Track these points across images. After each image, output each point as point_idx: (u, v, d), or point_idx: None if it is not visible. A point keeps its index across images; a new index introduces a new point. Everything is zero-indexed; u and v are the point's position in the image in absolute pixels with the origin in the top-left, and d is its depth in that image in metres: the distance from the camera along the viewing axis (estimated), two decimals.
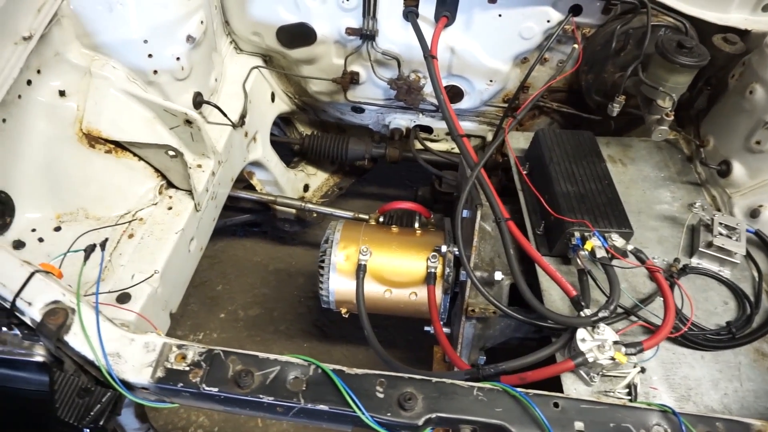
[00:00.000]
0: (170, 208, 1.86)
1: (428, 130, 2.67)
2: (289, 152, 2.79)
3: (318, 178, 2.86)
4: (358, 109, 2.60)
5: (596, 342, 1.46)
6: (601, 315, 1.49)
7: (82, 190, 1.73)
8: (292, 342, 2.63)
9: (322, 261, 2.02)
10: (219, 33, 2.27)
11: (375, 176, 3.14)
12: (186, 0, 1.77)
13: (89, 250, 1.42)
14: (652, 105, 1.93)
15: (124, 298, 1.61)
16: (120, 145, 1.79)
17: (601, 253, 1.62)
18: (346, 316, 2.12)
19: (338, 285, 2.02)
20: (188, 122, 1.86)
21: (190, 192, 1.88)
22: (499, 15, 2.09)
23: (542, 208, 1.84)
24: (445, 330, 1.94)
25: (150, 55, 1.78)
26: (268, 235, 2.97)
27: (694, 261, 1.81)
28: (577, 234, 1.68)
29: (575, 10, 2.07)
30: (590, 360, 1.43)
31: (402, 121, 2.61)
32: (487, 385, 1.19)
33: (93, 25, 1.71)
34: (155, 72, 1.82)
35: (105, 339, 1.18)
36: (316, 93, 2.50)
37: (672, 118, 1.90)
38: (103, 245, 1.46)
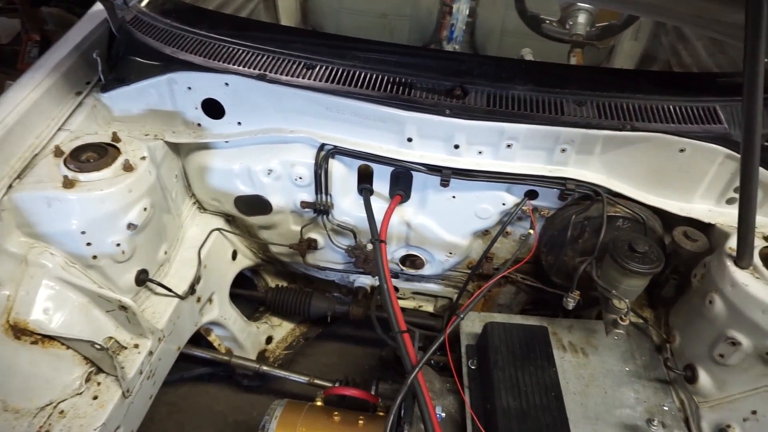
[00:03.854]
0: (95, 398, 1.79)
1: (395, 289, 2.59)
2: (257, 301, 2.75)
3: (283, 329, 2.79)
4: (322, 269, 2.55)
5: None
6: None
7: (3, 382, 1.69)
8: None
9: None
10: (181, 197, 2.30)
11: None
12: (126, 193, 1.78)
13: None
14: (609, 304, 1.82)
15: None
16: (48, 336, 1.76)
17: None
18: None
19: None
20: (123, 307, 1.83)
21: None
22: (453, 197, 2.06)
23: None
24: None
25: (89, 244, 1.79)
26: (232, 381, 2.87)
27: None
28: None
29: (531, 194, 2.02)
30: None
31: (366, 280, 2.56)
32: None
33: (32, 217, 1.73)
34: (94, 257, 1.82)
35: None
36: (276, 254, 2.48)
37: (628, 320, 1.78)
38: None
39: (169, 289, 2.04)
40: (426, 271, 2.38)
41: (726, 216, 1.90)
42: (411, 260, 2.37)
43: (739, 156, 1.78)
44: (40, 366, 1.75)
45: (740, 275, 1.62)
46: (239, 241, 2.50)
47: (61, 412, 1.74)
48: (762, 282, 1.60)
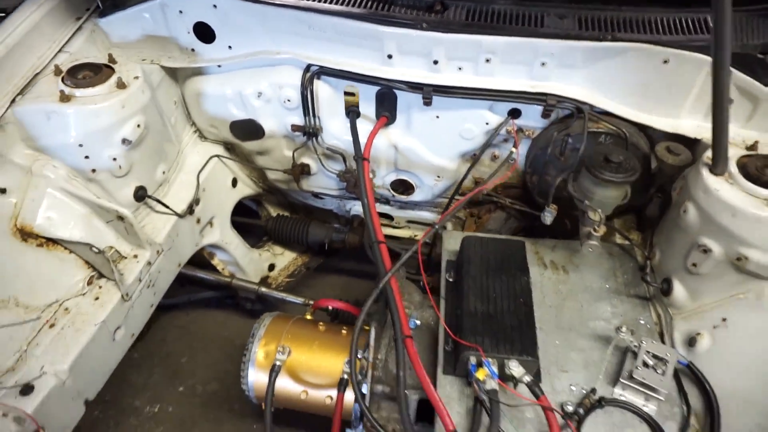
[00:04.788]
0: (97, 299, 1.94)
1: (389, 217, 2.65)
2: (261, 231, 2.86)
3: (285, 258, 2.90)
4: (319, 196, 2.63)
5: None
6: None
7: (13, 280, 1.85)
8: (243, 422, 2.62)
9: (245, 355, 2.03)
10: (181, 124, 2.40)
11: (353, 251, 3.15)
12: (119, 109, 1.89)
13: None
14: (584, 216, 1.83)
15: (27, 390, 1.69)
16: (52, 239, 1.91)
17: (491, 384, 1.52)
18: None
19: (257, 380, 2.01)
20: (120, 218, 1.96)
21: None
22: (437, 117, 2.08)
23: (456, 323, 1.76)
24: None
25: (87, 157, 1.91)
26: (240, 308, 3.02)
27: (617, 392, 1.66)
28: (473, 359, 1.59)
29: (514, 113, 2.02)
30: None
31: (360, 207, 2.62)
32: None
33: (34, 130, 1.86)
34: (93, 171, 1.95)
35: None
36: (273, 181, 2.57)
37: (601, 232, 1.79)
38: None
39: (167, 206, 2.16)
40: (417, 196, 2.42)
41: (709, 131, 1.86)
42: (402, 186, 2.41)
43: None
44: (45, 267, 1.90)
45: (712, 181, 1.61)
46: (240, 169, 2.60)
47: (66, 309, 1.90)
48: (735, 188, 1.58)
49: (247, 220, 2.78)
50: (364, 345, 1.91)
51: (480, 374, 1.54)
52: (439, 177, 2.29)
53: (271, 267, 2.87)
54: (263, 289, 2.55)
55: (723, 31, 1.37)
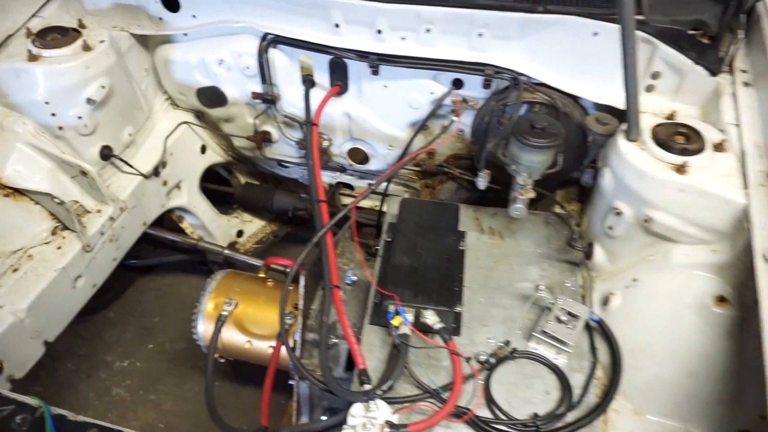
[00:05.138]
0: (59, 248, 2.08)
1: (350, 187, 2.76)
2: (228, 197, 2.99)
3: (254, 225, 3.03)
4: (283, 164, 2.75)
5: (366, 418, 1.46)
6: (378, 392, 1.50)
7: None
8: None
9: (196, 307, 2.16)
10: (153, 90, 2.54)
11: None
12: (83, 69, 2.03)
13: None
14: (514, 181, 1.92)
15: None
16: (19, 191, 2.05)
17: (404, 330, 1.63)
18: (222, 361, 2.24)
19: (207, 331, 2.14)
20: (83, 173, 2.10)
21: None
22: (385, 86, 2.18)
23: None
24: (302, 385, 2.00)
25: (53, 114, 2.05)
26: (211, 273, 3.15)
27: (531, 346, 1.75)
28: (391, 308, 1.69)
29: (457, 83, 2.11)
30: None
31: (325, 177, 2.73)
32: None
33: (4, 87, 2.01)
34: (60, 128, 2.09)
35: None
36: (239, 148, 2.69)
37: (528, 196, 1.88)
38: None
39: (131, 166, 2.30)
40: (372, 165, 2.52)
41: (644, 103, 1.92)
42: (359, 155, 2.52)
43: (654, 39, 1.81)
44: (12, 216, 2.05)
45: (624, 146, 1.68)
46: (210, 137, 2.73)
47: (30, 256, 2.05)
48: (645, 153, 1.66)
49: (218, 187, 2.91)
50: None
51: (395, 321, 1.64)
52: (391, 146, 2.39)
53: (240, 233, 3.00)
54: (227, 252, 2.68)
55: (626, 3, 1.45)
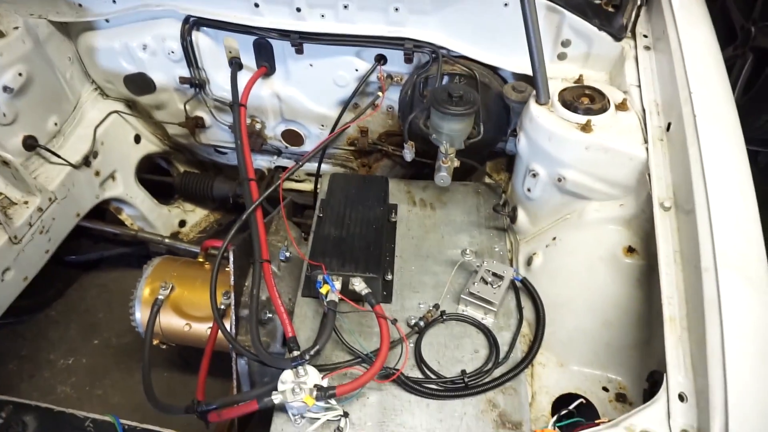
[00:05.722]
0: None
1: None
2: (168, 187, 2.96)
3: (196, 215, 3.01)
4: (220, 151, 2.74)
5: (296, 384, 1.49)
6: (307, 358, 1.53)
7: None
8: (154, 371, 2.72)
9: (132, 294, 2.15)
10: (79, 80, 2.49)
11: None
12: None
13: None
14: (438, 151, 1.97)
15: None
16: None
17: (331, 297, 1.66)
18: (164, 347, 2.24)
19: (144, 317, 2.13)
20: (5, 163, 2.05)
21: None
22: (310, 65, 2.20)
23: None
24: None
25: None
26: None
27: (460, 308, 1.81)
28: (319, 277, 1.72)
29: (381, 59, 2.15)
30: (276, 401, 1.46)
31: (263, 162, 2.74)
32: (99, 416, 1.27)
33: None
34: None
35: None
36: (174, 136, 2.67)
37: (450, 164, 1.93)
38: None
39: (59, 156, 2.26)
40: (308, 146, 2.54)
41: (557, 71, 2.00)
42: (293, 137, 2.53)
43: (561, 8, 1.89)
44: None
45: (535, 109, 1.75)
46: (143, 126, 2.70)
47: None
48: (553, 115, 1.73)
49: (156, 177, 2.88)
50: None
51: (323, 289, 1.67)
52: (323, 125, 2.42)
53: (182, 223, 2.98)
54: (168, 240, 2.66)
55: None
